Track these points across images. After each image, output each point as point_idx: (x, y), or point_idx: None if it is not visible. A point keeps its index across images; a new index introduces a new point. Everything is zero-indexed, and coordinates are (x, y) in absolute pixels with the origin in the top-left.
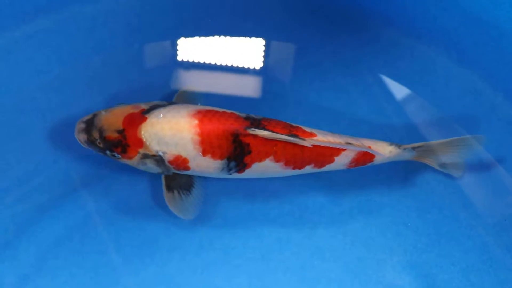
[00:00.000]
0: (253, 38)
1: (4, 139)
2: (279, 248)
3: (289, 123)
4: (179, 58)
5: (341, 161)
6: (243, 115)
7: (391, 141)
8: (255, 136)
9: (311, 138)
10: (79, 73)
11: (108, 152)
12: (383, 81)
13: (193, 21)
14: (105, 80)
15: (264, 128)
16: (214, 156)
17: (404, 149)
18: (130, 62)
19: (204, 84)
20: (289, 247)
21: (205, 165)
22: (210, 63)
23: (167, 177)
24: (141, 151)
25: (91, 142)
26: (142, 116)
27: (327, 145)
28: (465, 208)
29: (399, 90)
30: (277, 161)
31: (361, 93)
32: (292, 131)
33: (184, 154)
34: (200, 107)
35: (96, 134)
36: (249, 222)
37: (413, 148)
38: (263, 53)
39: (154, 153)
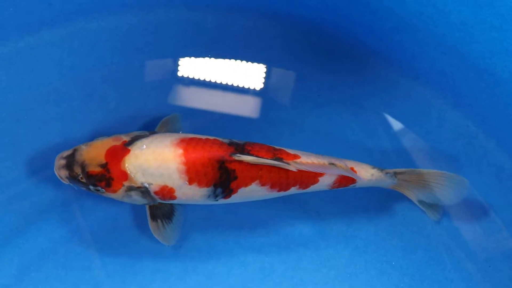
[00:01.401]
0: (254, 64)
1: None
2: (262, 277)
3: (272, 146)
4: (179, 75)
5: (325, 182)
6: (226, 140)
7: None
8: (240, 162)
9: (295, 160)
10: (78, 87)
11: (91, 187)
12: (379, 116)
13: (195, 44)
14: (104, 96)
15: (248, 153)
16: (200, 184)
17: (387, 173)
18: (130, 80)
19: (202, 102)
20: (272, 277)
21: (191, 193)
22: (210, 82)
23: (151, 207)
24: (126, 183)
25: (73, 177)
26: (124, 148)
27: (310, 169)
28: (450, 252)
29: (394, 125)
30: (262, 185)
31: (358, 124)
32: (276, 154)
33: (170, 184)
34: (182, 135)
35: (78, 170)
36: (234, 249)
37: (395, 174)
38: (262, 79)
39: (139, 185)
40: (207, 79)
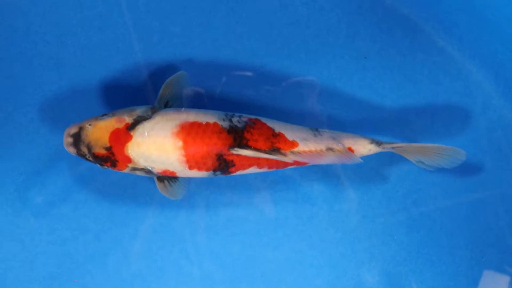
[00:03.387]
0: None
1: None
2: (275, 226)
3: (272, 129)
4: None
5: (319, 161)
6: (226, 125)
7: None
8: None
9: (292, 150)
10: (122, 15)
11: (98, 165)
12: (422, 89)
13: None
14: (148, 28)
15: (246, 145)
16: (200, 169)
17: (384, 148)
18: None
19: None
20: (284, 228)
21: (192, 174)
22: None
23: None
24: (130, 165)
25: (80, 155)
26: (127, 133)
27: (307, 160)
28: (451, 237)
29: (436, 102)
30: (260, 168)
31: (398, 95)
32: (274, 142)
33: (171, 168)
34: (182, 116)
35: (84, 149)
36: (254, 198)
37: (393, 148)
38: None
39: (142, 167)
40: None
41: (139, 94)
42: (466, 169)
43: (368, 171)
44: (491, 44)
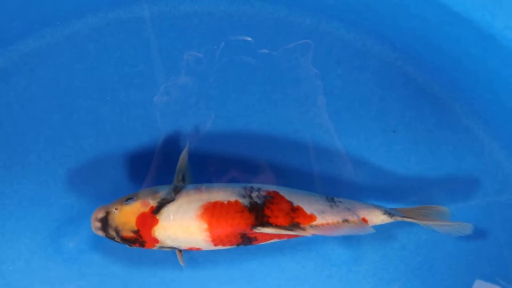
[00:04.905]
0: None
1: None
2: (296, 283)
3: (290, 201)
4: None
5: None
6: (247, 202)
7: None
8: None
9: (311, 224)
10: (162, 73)
11: (127, 245)
12: (447, 164)
13: None
14: (185, 89)
15: (267, 223)
16: (224, 245)
17: (396, 219)
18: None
19: None
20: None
21: (217, 249)
22: None
23: None
24: (158, 245)
25: (109, 238)
26: (153, 216)
27: (324, 233)
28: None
29: (460, 180)
30: (280, 239)
31: (422, 169)
32: (294, 217)
33: (197, 246)
34: (204, 196)
35: (113, 233)
36: (276, 256)
37: (404, 220)
38: None
39: (170, 246)
40: None
41: (144, 167)
42: (480, 245)
43: (387, 238)
44: None
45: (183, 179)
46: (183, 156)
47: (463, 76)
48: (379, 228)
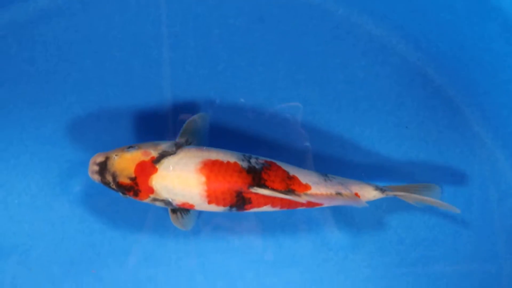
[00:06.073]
0: None
1: None
2: (292, 263)
3: (286, 171)
4: None
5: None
6: (245, 165)
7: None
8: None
9: (305, 192)
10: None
11: (120, 194)
12: (452, 170)
13: None
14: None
15: (264, 185)
16: (218, 204)
17: (387, 194)
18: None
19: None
20: (300, 261)
21: (209, 209)
22: None
23: None
24: (152, 196)
25: (104, 183)
26: (152, 165)
27: (318, 201)
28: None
29: (463, 183)
30: (274, 206)
31: (425, 168)
32: (289, 184)
33: (190, 201)
34: (205, 153)
35: (109, 178)
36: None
37: (395, 195)
38: None
39: (163, 198)
40: None
41: (159, 127)
42: (478, 250)
43: (387, 230)
44: None
45: (187, 142)
46: (192, 119)
47: (481, 77)
48: (379, 220)
